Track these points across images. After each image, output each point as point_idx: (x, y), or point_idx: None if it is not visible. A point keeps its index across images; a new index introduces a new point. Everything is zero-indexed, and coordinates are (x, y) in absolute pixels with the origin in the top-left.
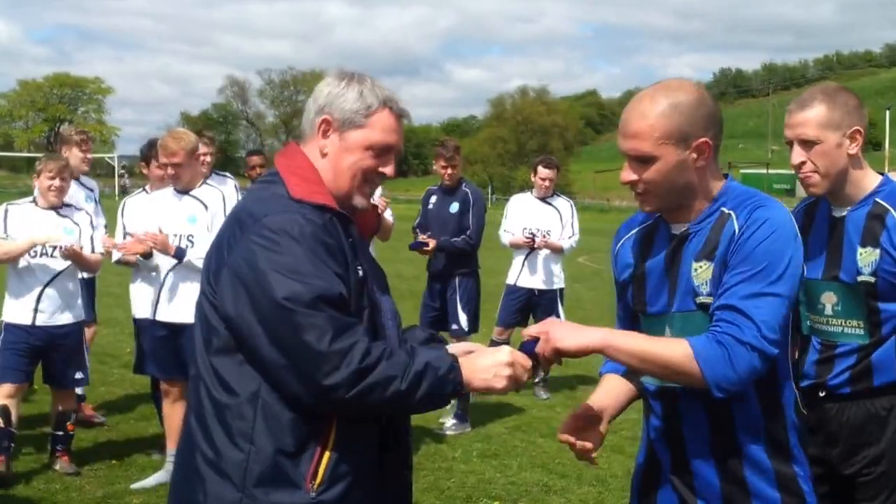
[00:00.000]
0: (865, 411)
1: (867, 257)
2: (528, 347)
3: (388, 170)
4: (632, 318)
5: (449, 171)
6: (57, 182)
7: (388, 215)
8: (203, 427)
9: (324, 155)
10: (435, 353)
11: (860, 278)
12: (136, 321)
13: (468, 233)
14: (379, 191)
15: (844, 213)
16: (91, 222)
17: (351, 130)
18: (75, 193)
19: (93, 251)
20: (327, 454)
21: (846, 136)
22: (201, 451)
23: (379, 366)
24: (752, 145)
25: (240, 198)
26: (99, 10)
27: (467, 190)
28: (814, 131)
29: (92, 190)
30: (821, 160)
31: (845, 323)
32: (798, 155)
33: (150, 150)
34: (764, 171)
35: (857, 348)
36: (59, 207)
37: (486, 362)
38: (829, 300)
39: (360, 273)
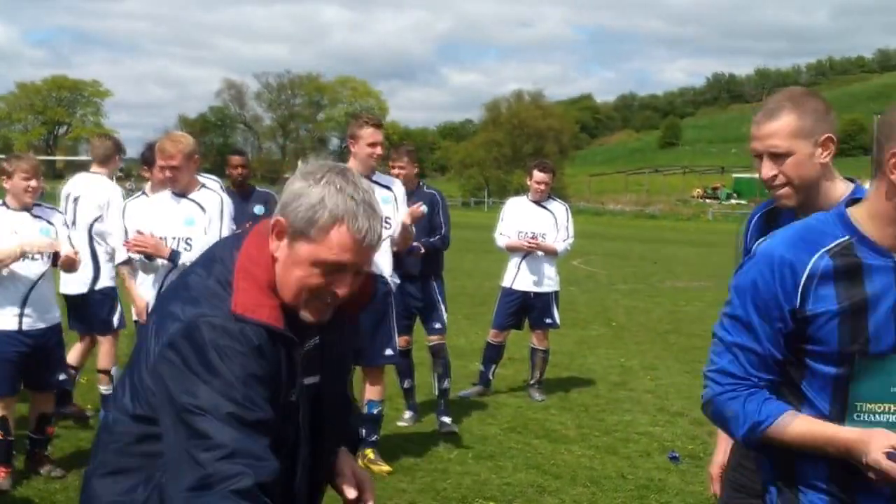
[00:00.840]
0: None
1: None
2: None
3: (341, 291)
4: (796, 360)
5: (405, 171)
6: (33, 182)
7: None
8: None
9: (275, 259)
10: None
11: None
12: (137, 323)
13: (442, 232)
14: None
15: None
16: (64, 222)
17: (300, 241)
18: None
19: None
20: None
21: (818, 145)
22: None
23: None
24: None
25: (225, 198)
26: (96, 12)
27: (432, 191)
28: (785, 142)
29: None
30: (793, 172)
31: None
32: (768, 168)
33: (151, 154)
34: (756, 175)
35: None
36: (30, 208)
37: None
38: None
39: (292, 399)
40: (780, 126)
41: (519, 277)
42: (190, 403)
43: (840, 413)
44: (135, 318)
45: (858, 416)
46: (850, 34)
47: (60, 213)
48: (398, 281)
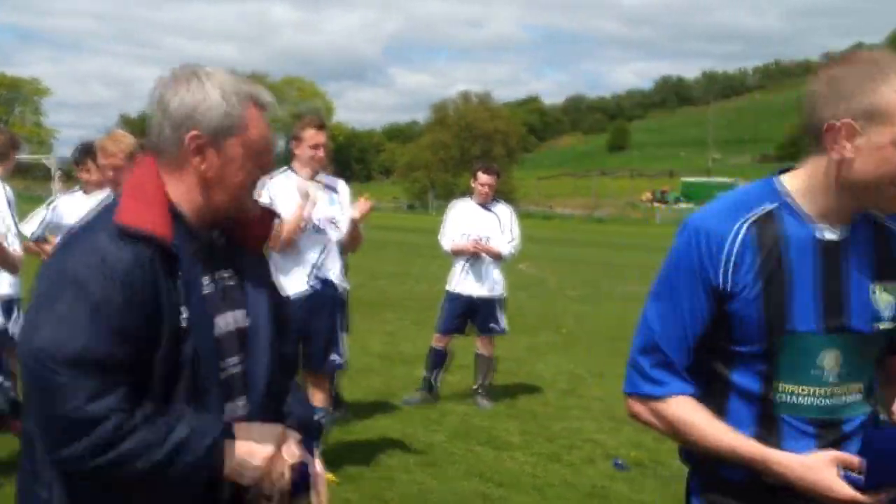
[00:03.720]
0: None
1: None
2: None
3: (268, 167)
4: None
5: None
6: None
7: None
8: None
9: (207, 177)
10: (201, 425)
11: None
12: None
13: None
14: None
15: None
16: (5, 220)
17: (227, 140)
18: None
19: (11, 248)
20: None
21: None
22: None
23: (135, 433)
24: (693, 153)
25: None
26: (38, 9)
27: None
28: None
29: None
30: None
31: (848, 390)
32: None
33: (84, 155)
34: (705, 178)
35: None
36: None
37: (252, 450)
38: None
39: (183, 317)
40: None
41: (464, 281)
42: (35, 348)
43: (766, 395)
44: None
45: (780, 398)
46: (800, 37)
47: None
48: (347, 286)
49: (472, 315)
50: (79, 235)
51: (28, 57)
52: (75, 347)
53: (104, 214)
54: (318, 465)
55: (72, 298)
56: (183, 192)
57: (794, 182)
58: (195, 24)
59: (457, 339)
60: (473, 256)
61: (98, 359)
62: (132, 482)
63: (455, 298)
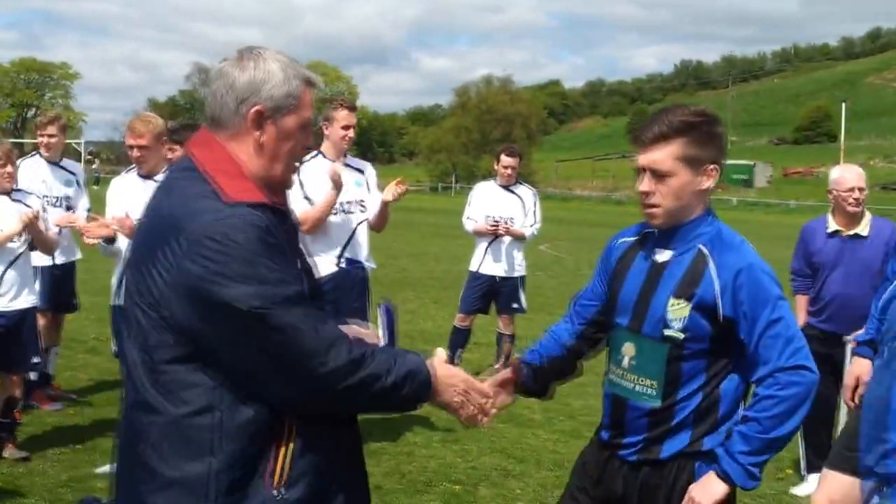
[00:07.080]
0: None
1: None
2: None
3: (310, 141)
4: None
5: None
6: (9, 168)
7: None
8: (156, 449)
9: (261, 146)
10: (415, 358)
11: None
12: (113, 308)
13: None
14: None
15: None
16: (43, 205)
17: (285, 116)
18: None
19: (47, 230)
20: (283, 452)
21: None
22: (159, 475)
23: (367, 360)
24: None
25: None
26: None
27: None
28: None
29: (74, 174)
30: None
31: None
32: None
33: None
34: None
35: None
36: (9, 192)
37: (452, 380)
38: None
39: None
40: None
41: (486, 262)
42: (246, 308)
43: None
44: (113, 301)
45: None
46: (817, 22)
47: (38, 196)
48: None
49: (495, 295)
50: (194, 219)
51: (56, 41)
52: (279, 290)
53: (201, 199)
54: None
55: (242, 256)
56: (244, 161)
57: None
58: (220, 10)
59: (477, 318)
60: (495, 237)
61: (298, 294)
62: (357, 408)
63: (477, 278)
